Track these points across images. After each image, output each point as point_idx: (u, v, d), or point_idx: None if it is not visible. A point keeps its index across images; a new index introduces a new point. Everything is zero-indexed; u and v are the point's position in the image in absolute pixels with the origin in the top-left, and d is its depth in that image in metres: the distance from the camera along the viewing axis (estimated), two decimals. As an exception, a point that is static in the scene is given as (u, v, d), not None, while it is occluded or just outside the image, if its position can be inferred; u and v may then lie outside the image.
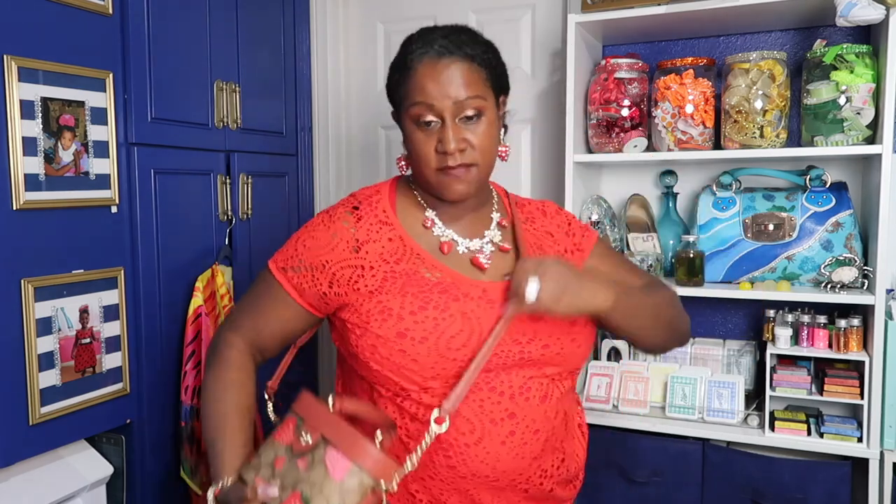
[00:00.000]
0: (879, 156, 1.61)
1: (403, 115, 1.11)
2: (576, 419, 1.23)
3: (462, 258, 1.14)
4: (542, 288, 1.01)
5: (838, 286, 1.69)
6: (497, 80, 1.14)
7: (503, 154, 1.17)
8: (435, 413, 1.03)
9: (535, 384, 1.11)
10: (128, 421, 1.66)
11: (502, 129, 1.17)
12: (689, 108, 1.79)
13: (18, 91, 1.38)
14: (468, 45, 1.09)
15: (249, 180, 2.00)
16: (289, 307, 1.16)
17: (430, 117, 1.07)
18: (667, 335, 1.25)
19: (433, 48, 1.08)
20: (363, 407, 1.07)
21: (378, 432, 0.99)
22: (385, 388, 1.10)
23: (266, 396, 1.24)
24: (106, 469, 1.64)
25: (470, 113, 1.08)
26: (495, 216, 1.21)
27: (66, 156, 1.48)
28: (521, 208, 1.26)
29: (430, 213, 1.16)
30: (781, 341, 1.75)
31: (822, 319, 1.73)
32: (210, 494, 1.05)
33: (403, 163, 1.17)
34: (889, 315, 1.64)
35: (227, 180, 1.92)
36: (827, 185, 1.78)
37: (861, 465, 1.67)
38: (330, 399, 1.02)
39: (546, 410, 1.11)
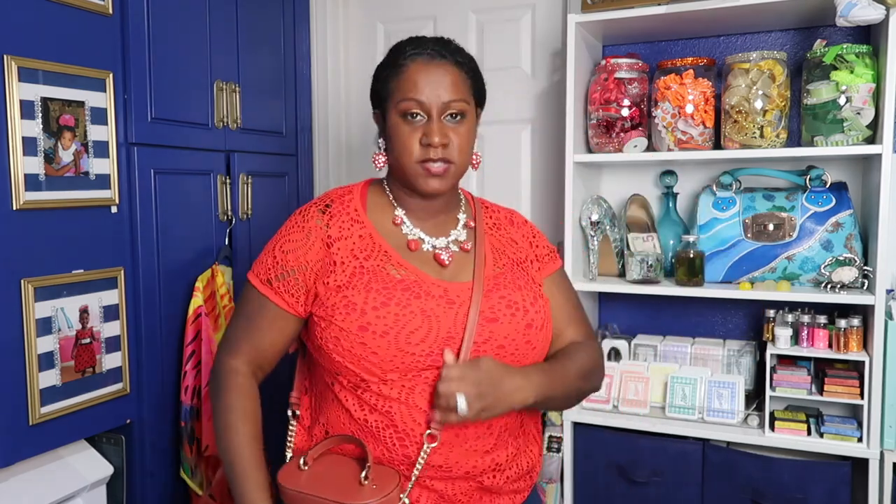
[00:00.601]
0: (879, 156, 1.61)
1: (390, 109, 1.16)
2: (532, 421, 1.26)
3: (426, 255, 1.19)
4: (466, 400, 1.07)
5: (838, 286, 1.69)
6: (478, 92, 1.21)
7: (475, 162, 1.23)
8: (427, 432, 1.10)
9: None
10: (128, 421, 1.66)
11: (475, 143, 1.23)
12: (689, 108, 1.79)
13: (18, 91, 1.38)
14: (458, 53, 1.18)
15: (249, 180, 2.00)
16: (281, 318, 1.19)
17: (417, 111, 1.13)
18: (572, 403, 1.33)
19: (426, 51, 1.16)
20: (325, 443, 1.16)
21: (363, 474, 1.09)
22: (346, 379, 1.14)
23: (290, 411, 1.27)
24: (106, 469, 1.64)
25: (454, 111, 1.15)
26: (462, 217, 1.26)
27: (66, 156, 1.48)
28: (489, 214, 1.31)
29: (399, 212, 1.21)
30: (781, 341, 1.75)
31: (822, 319, 1.73)
32: None
33: (383, 158, 1.22)
34: (889, 315, 1.64)
35: (227, 180, 1.92)
36: (827, 185, 1.78)
37: (861, 465, 1.67)
38: (302, 463, 1.14)
39: (501, 416, 1.15)
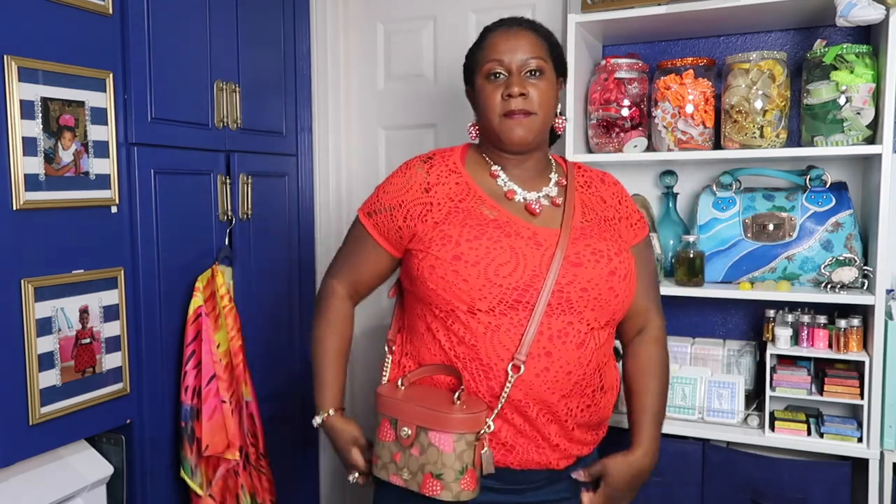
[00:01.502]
0: (879, 156, 1.61)
1: (477, 76, 1.31)
2: (611, 377, 1.34)
3: (519, 205, 1.31)
4: None
5: (838, 286, 1.69)
6: (556, 59, 1.33)
7: (559, 125, 1.38)
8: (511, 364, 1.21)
9: (573, 330, 1.23)
10: (128, 421, 1.66)
11: (558, 105, 1.36)
12: (689, 108, 1.79)
13: (18, 91, 1.38)
14: (535, 23, 1.33)
15: (249, 180, 2.00)
16: (375, 251, 1.36)
17: (499, 69, 1.27)
18: None
19: (507, 23, 1.32)
20: (423, 370, 1.28)
21: (456, 395, 1.20)
22: (439, 308, 1.26)
23: (386, 347, 1.41)
24: (106, 469, 1.64)
25: (532, 67, 1.27)
26: (553, 176, 1.37)
27: (66, 156, 1.49)
28: (581, 173, 1.41)
29: (496, 168, 1.34)
30: (781, 341, 1.75)
31: (822, 319, 1.73)
32: (317, 420, 1.37)
33: (474, 128, 1.38)
34: (889, 315, 1.64)
35: (227, 180, 1.92)
36: (827, 185, 1.78)
37: (861, 465, 1.67)
38: (399, 384, 1.27)
39: (580, 357, 1.24)
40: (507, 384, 1.20)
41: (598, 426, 1.35)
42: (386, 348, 1.40)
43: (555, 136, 1.43)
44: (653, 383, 1.39)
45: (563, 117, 1.38)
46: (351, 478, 1.36)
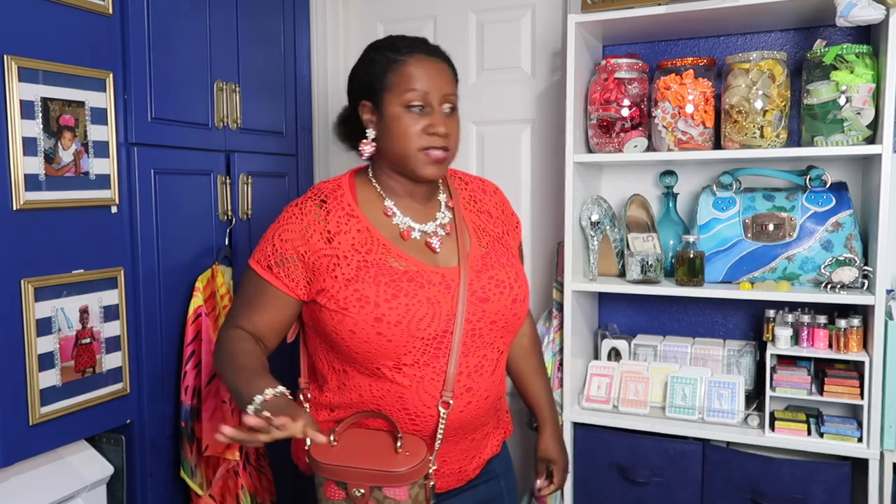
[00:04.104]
0: (879, 156, 1.61)
1: (388, 100, 1.24)
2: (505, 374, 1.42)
3: (419, 243, 1.29)
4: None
5: (838, 286, 1.69)
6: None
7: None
8: (440, 401, 1.24)
9: (487, 361, 1.29)
10: (128, 421, 1.66)
11: None
12: (689, 108, 1.80)
13: (18, 91, 1.38)
14: (444, 54, 1.30)
15: (249, 180, 2.00)
16: (281, 300, 1.27)
17: (419, 103, 1.22)
18: None
19: (419, 48, 1.26)
20: (349, 419, 1.25)
21: (398, 443, 1.20)
22: (362, 365, 1.24)
23: (302, 395, 1.35)
24: (106, 469, 1.64)
25: (452, 104, 1.26)
26: (442, 198, 1.36)
27: (66, 156, 1.48)
28: (462, 187, 1.41)
29: (388, 203, 1.30)
30: (781, 341, 1.75)
31: (822, 319, 1.73)
32: (253, 406, 1.10)
33: (371, 147, 1.30)
34: (889, 315, 1.64)
35: (227, 180, 1.92)
36: (827, 185, 1.78)
37: (861, 465, 1.67)
38: (332, 440, 1.21)
39: (494, 380, 1.31)
40: (441, 422, 1.24)
41: (505, 415, 1.46)
42: (302, 397, 1.34)
43: None
44: (536, 360, 1.52)
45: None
46: (255, 410, 1.10)
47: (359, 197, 1.30)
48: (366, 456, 1.18)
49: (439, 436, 1.24)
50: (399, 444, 1.20)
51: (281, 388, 1.13)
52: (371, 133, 1.29)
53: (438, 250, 1.29)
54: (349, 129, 1.37)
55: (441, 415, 1.23)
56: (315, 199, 1.28)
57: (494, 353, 1.30)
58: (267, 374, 1.20)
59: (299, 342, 1.37)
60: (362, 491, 1.17)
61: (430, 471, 1.22)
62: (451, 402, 1.23)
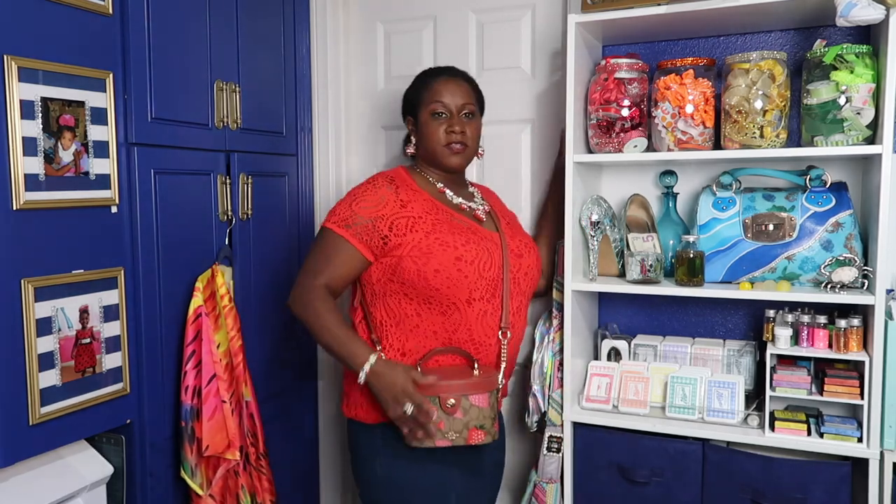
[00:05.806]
0: (879, 156, 1.61)
1: (422, 112, 1.71)
2: None
3: (469, 213, 1.73)
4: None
5: (838, 286, 1.69)
6: (480, 101, 1.79)
7: (480, 152, 1.81)
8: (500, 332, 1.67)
9: (521, 306, 1.74)
10: (128, 421, 1.66)
11: (481, 137, 1.80)
12: (689, 108, 1.79)
13: (18, 91, 1.38)
14: (468, 76, 1.79)
15: (249, 180, 2.00)
16: (354, 258, 1.60)
17: (442, 110, 1.69)
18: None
19: (446, 72, 1.75)
20: (428, 356, 1.62)
21: (475, 366, 1.60)
22: (439, 302, 1.60)
23: (378, 347, 1.66)
24: (106, 469, 1.64)
25: (468, 111, 1.72)
26: (472, 189, 1.84)
27: (66, 156, 1.49)
28: (477, 187, 1.89)
29: (440, 185, 1.73)
30: (781, 341, 1.75)
31: (822, 319, 1.73)
32: (365, 370, 1.53)
33: (411, 150, 1.77)
34: (889, 315, 1.64)
35: (227, 180, 1.93)
36: (827, 186, 1.78)
37: (861, 465, 1.67)
38: (419, 370, 1.58)
39: (523, 323, 1.77)
40: (503, 349, 1.66)
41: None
42: (378, 348, 1.64)
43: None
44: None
45: (482, 148, 1.81)
46: (409, 409, 1.52)
47: (416, 181, 1.71)
48: (455, 376, 1.56)
49: (503, 359, 1.66)
50: (476, 366, 1.60)
51: (375, 354, 1.55)
52: (413, 140, 1.76)
53: (483, 219, 1.73)
54: (405, 140, 1.81)
55: (502, 343, 1.65)
56: (384, 178, 1.67)
57: (525, 300, 1.76)
58: (356, 337, 1.60)
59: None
60: (454, 401, 1.52)
61: (500, 385, 1.63)
62: (508, 333, 1.65)
